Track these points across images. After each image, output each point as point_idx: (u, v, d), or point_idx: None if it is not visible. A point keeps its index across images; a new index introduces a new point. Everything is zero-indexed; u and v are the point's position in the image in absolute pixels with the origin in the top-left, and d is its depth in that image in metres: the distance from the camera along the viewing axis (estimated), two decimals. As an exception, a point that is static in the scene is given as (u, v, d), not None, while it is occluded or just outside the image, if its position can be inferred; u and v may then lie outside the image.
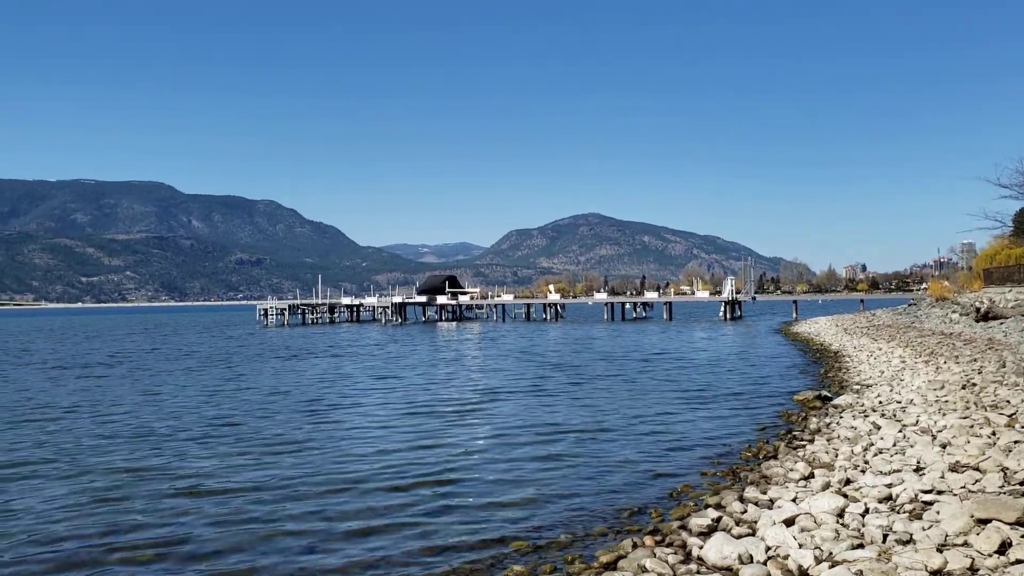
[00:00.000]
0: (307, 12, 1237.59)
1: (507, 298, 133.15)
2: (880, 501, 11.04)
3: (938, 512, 9.91)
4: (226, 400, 28.37)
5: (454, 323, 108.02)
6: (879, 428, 16.45)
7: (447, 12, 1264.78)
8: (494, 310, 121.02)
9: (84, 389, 32.56)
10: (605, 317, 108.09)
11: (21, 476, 16.71)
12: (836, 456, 14.59)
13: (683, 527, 11.47)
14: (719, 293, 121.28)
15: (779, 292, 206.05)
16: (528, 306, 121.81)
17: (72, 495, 15.00)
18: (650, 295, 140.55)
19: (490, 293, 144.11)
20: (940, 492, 10.95)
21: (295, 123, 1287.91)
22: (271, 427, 22.13)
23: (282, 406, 26.34)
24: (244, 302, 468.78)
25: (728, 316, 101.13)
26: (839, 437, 16.49)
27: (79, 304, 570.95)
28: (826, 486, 12.23)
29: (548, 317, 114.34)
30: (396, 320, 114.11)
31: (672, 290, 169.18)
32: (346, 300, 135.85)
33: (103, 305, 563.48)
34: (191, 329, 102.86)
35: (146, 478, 16.21)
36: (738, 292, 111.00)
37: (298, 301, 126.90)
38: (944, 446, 13.68)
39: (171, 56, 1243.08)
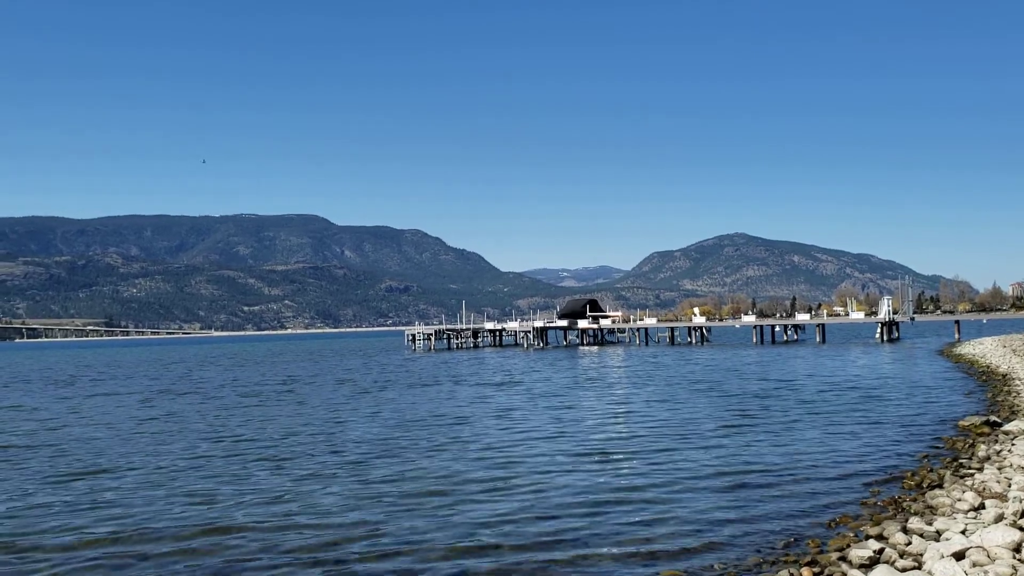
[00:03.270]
0: (449, 36, 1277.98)
1: (650, 321, 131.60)
2: (1060, 535, 10.43)
3: None
4: (398, 435, 27.15)
5: (595, 347, 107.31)
6: (1057, 457, 15.49)
7: (585, 32, 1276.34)
8: (636, 334, 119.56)
9: (270, 417, 33.99)
10: (754, 340, 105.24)
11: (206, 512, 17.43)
12: (1009, 486, 13.83)
13: (843, 558, 11.22)
14: (874, 314, 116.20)
15: (939, 312, 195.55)
16: (672, 330, 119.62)
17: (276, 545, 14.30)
18: (802, 317, 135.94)
19: (632, 317, 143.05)
20: None
21: (438, 147, 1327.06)
22: (455, 471, 20.36)
23: (459, 444, 24.85)
24: (393, 327, 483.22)
25: (885, 338, 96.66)
26: (1012, 466, 15.62)
27: (242, 332, 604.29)
28: (999, 518, 11.65)
29: (693, 341, 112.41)
30: (538, 344, 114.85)
31: (825, 311, 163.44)
32: (489, 325, 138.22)
33: (264, 332, 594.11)
34: (347, 355, 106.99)
35: (329, 525, 15.21)
36: (895, 313, 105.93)
37: (443, 326, 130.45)
38: None
39: (323, 88, 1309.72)
